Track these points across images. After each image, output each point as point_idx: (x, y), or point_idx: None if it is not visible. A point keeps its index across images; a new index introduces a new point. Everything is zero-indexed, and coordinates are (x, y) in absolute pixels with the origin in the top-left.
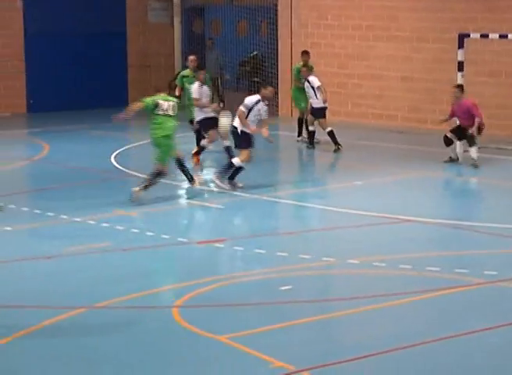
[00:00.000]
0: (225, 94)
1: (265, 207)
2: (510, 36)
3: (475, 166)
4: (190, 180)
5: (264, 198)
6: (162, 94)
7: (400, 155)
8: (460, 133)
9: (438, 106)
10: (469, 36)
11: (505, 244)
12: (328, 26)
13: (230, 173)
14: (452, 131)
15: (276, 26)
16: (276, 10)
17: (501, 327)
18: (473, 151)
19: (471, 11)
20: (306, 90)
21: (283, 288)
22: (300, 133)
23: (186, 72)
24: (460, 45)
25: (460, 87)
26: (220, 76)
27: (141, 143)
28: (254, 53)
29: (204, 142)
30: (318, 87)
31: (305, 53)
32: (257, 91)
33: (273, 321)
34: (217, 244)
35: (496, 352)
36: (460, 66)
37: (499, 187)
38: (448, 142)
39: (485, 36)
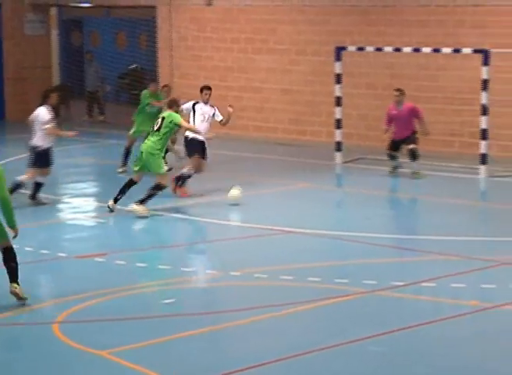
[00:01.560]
0: (106, 107)
1: (148, 220)
2: (385, 48)
3: (419, 176)
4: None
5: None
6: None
7: (282, 167)
8: (397, 147)
9: (317, 118)
10: (346, 48)
11: (383, 254)
12: (207, 39)
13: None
14: (390, 149)
15: (155, 38)
16: (155, 23)
17: (381, 336)
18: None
19: (347, 24)
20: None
21: (166, 301)
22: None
23: None
24: (337, 58)
25: (401, 90)
26: (101, 88)
27: (19, 157)
28: (134, 66)
29: None
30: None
31: (153, 82)
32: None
33: (156, 335)
34: (98, 259)
35: (378, 360)
36: (338, 79)
37: (377, 198)
38: (393, 157)
39: (361, 49)
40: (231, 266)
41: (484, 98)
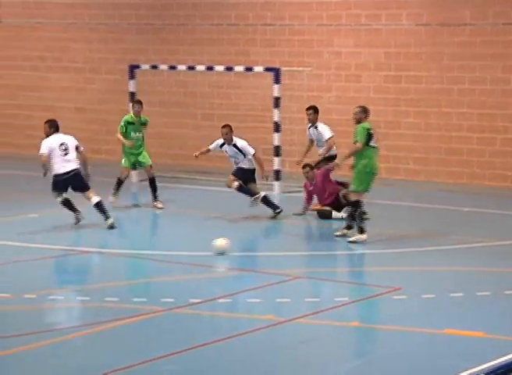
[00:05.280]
0: None
1: None
2: (179, 67)
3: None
4: None
5: None
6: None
7: None
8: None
9: (112, 137)
10: (139, 67)
11: (180, 271)
12: None
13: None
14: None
15: None
16: None
17: (177, 354)
18: None
19: (141, 42)
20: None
21: None
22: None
23: None
24: (131, 76)
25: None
26: None
27: None
28: None
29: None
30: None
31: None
32: None
33: None
34: None
35: None
36: (132, 97)
37: (173, 215)
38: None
39: (155, 67)
40: (25, 288)
41: (276, 115)
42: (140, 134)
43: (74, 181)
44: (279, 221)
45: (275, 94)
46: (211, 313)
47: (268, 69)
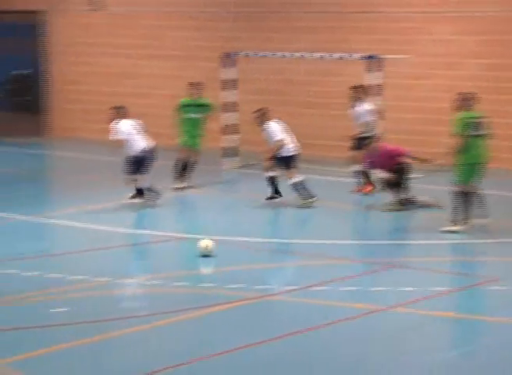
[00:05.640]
0: None
1: (34, 228)
2: (276, 54)
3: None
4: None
5: (32, 219)
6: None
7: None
8: None
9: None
10: (235, 54)
11: (275, 258)
12: (94, 45)
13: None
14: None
15: (37, 44)
16: (36, 28)
17: (269, 342)
18: None
19: (236, 30)
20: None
21: (57, 310)
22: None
23: None
24: (227, 64)
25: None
26: None
27: None
28: (16, 72)
29: None
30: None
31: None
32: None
33: (44, 344)
34: None
35: (269, 366)
36: (228, 85)
37: (264, 204)
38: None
39: (251, 55)
40: (124, 272)
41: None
42: (198, 115)
43: (144, 162)
44: (371, 209)
45: (374, 81)
46: (305, 300)
47: (366, 57)
